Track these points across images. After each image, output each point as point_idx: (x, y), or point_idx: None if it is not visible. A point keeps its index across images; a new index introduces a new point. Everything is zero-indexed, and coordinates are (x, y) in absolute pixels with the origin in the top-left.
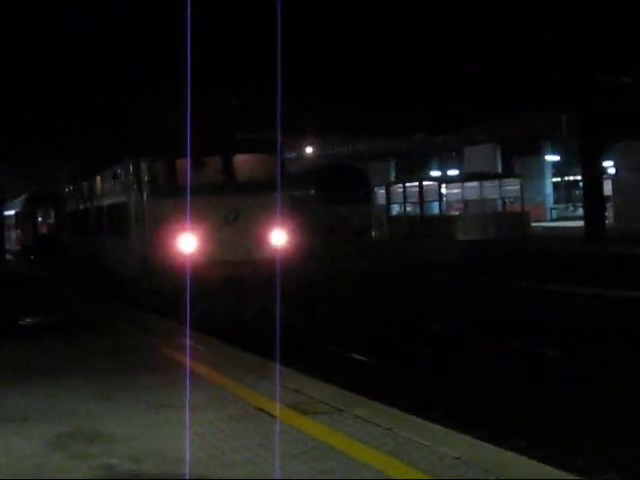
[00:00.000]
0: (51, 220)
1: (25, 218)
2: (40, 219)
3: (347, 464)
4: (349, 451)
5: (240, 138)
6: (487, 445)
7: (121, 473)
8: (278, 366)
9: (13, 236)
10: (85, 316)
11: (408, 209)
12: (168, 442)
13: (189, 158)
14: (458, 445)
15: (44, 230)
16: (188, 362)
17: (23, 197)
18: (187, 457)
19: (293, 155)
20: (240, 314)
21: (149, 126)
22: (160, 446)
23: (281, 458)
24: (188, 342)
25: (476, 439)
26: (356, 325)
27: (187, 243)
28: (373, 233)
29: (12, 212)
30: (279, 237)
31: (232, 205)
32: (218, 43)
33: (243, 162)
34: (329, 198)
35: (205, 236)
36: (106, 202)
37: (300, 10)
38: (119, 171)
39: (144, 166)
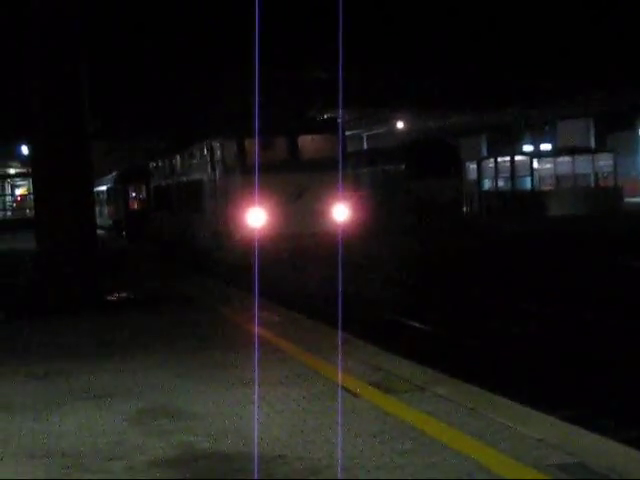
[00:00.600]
0: (142, 196)
1: (116, 194)
2: (131, 195)
3: (428, 444)
4: (430, 431)
5: (305, 119)
6: (572, 426)
7: (199, 451)
8: (361, 342)
9: (105, 212)
10: (167, 291)
11: (500, 184)
12: (248, 420)
13: (257, 139)
14: (542, 426)
15: (135, 206)
16: (270, 337)
17: (114, 173)
18: (266, 436)
19: (384, 130)
20: (306, 285)
21: (221, 110)
22: (239, 424)
23: (361, 438)
24: (269, 317)
25: (561, 420)
26: (428, 301)
27: (256, 217)
28: (465, 208)
29: (104, 188)
30: (341, 212)
31: (297, 182)
32: (286, 18)
33: (308, 143)
34: (419, 173)
35: (273, 211)
36: (184, 179)
37: None
38: (195, 151)
39: (217, 146)
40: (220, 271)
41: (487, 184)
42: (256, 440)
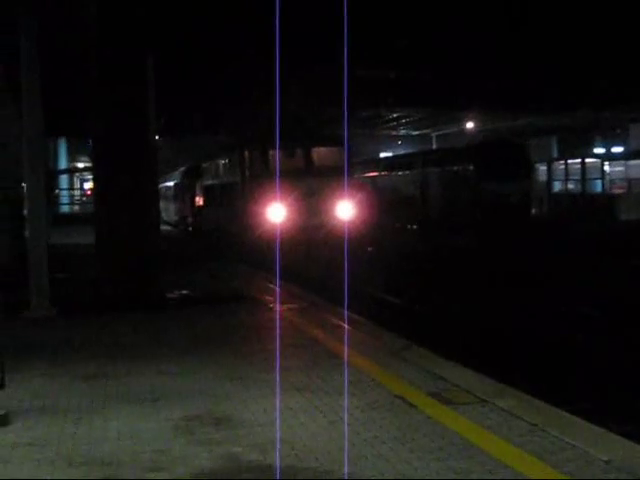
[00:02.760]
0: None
1: (182, 190)
2: (196, 191)
3: (486, 463)
4: (489, 449)
5: (317, 135)
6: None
7: (244, 463)
8: (418, 348)
9: (171, 207)
10: (222, 287)
11: (570, 187)
12: (297, 430)
13: (278, 150)
14: (610, 446)
15: (201, 202)
16: (325, 340)
17: (181, 169)
18: (315, 449)
19: (453, 129)
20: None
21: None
22: (288, 434)
23: (416, 454)
24: (328, 318)
25: (630, 440)
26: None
27: (277, 212)
28: (533, 210)
29: (171, 184)
30: (345, 210)
31: (309, 185)
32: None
33: (318, 153)
34: (488, 174)
35: (290, 208)
36: (225, 180)
37: None
38: (233, 157)
39: (247, 155)
40: (256, 260)
41: (557, 186)
42: (304, 454)
